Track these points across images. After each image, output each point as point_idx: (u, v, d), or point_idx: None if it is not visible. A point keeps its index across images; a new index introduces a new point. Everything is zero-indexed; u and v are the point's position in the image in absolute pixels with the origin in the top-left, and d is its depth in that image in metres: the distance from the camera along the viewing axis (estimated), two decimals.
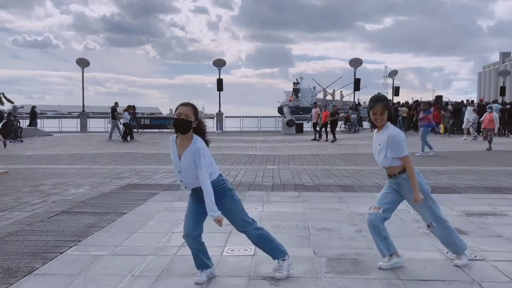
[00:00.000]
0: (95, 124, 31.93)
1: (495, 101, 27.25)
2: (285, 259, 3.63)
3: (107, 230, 5.05)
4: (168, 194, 7.28)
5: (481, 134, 20.65)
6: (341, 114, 26.76)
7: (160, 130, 28.36)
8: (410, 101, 34.80)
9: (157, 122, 29.87)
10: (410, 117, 27.20)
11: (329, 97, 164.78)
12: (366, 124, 30.84)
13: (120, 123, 21.50)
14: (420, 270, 3.77)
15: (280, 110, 27.79)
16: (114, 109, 21.68)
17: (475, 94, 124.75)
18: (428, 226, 3.94)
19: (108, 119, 22.84)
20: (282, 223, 5.37)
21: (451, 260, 4.02)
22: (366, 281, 3.53)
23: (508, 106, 23.98)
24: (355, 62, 31.62)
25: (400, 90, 36.42)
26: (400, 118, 26.25)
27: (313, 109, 23.14)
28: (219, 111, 30.06)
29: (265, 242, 3.66)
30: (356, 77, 31.85)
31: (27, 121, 28.07)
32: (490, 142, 15.67)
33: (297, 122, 28.35)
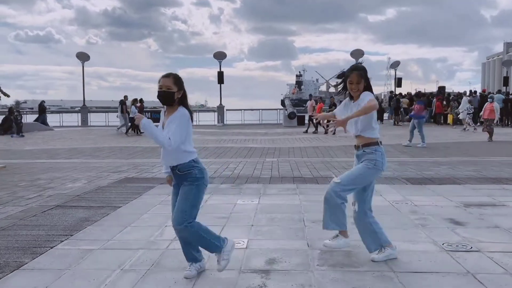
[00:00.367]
0: (96, 119, 31.93)
1: (499, 91, 27.05)
2: (221, 252, 3.46)
3: (99, 224, 5.00)
4: (165, 188, 7.21)
5: (478, 124, 20.56)
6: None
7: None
8: (413, 92, 34.55)
9: (158, 115, 29.74)
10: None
11: (332, 89, 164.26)
12: None
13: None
14: (415, 262, 3.71)
15: (283, 103, 27.65)
16: (123, 102, 21.60)
17: (479, 84, 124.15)
18: (353, 204, 3.88)
19: (117, 113, 22.72)
20: (277, 215, 5.31)
21: (447, 252, 3.96)
22: (358, 273, 3.47)
23: (511, 96, 23.80)
24: (357, 54, 31.39)
25: (404, 81, 36.21)
26: (402, 109, 26.09)
27: (308, 101, 22.99)
28: (220, 104, 29.96)
29: (188, 244, 3.47)
30: None
31: (32, 116, 28.11)
32: (490, 133, 15.51)
33: (299, 114, 28.20)
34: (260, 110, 31.96)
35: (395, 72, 34.94)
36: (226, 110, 30.54)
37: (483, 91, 30.28)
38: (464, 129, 20.28)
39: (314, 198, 6.35)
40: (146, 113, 29.47)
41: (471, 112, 20.82)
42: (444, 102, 24.77)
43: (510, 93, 26.33)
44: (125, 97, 22.00)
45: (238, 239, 4.31)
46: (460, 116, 21.63)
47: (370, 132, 3.73)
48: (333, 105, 21.87)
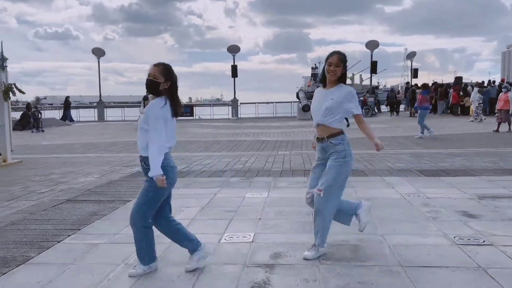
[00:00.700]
0: (112, 113, 32.21)
1: None
2: (142, 266, 3.38)
3: (108, 218, 5.01)
4: None
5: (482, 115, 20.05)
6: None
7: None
8: (430, 83, 34.01)
9: (187, 109, 29.44)
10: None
11: (348, 81, 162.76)
12: (384, 108, 30.36)
13: None
14: (424, 256, 3.61)
15: (297, 95, 27.44)
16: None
17: (498, 74, 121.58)
18: (319, 191, 3.60)
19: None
20: (285, 208, 5.25)
21: (458, 245, 3.85)
22: (365, 268, 3.40)
23: None
24: (372, 45, 31.01)
25: (420, 72, 35.72)
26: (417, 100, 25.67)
27: None
28: (234, 97, 29.91)
29: (138, 242, 3.38)
30: (375, 60, 31.28)
31: (52, 112, 28.54)
32: (510, 124, 15.14)
33: None
34: (274, 103, 31.83)
35: (411, 63, 34.44)
36: (240, 103, 30.49)
37: (502, 80, 29.60)
38: (474, 119, 19.79)
39: None
40: None
41: (481, 102, 20.37)
42: (461, 93, 24.29)
43: None
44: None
45: (244, 233, 4.27)
46: (471, 106, 21.19)
47: (338, 123, 3.63)
48: (363, 104, 21.49)
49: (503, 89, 16.62)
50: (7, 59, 10.91)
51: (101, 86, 30.98)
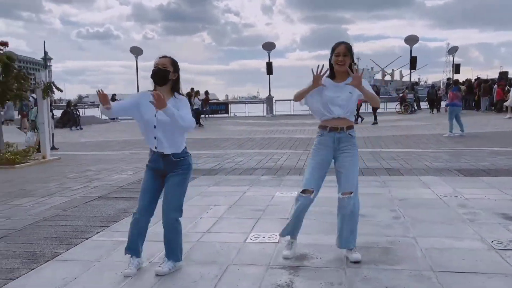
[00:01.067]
0: None
1: None
2: (176, 263, 3.38)
3: None
4: (206, 179, 7.22)
5: None
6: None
7: (211, 115, 28.47)
8: (473, 79, 32.83)
9: (213, 107, 29.66)
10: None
11: (388, 77, 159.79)
12: (424, 105, 29.51)
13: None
14: (457, 261, 3.42)
15: None
16: (190, 94, 21.87)
17: None
18: (350, 194, 3.50)
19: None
20: (314, 208, 5.04)
21: (496, 250, 3.63)
22: (394, 272, 3.25)
23: None
24: (411, 40, 30.20)
25: (463, 67, 34.59)
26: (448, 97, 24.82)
27: None
28: (269, 95, 29.80)
29: (175, 241, 3.37)
30: (415, 55, 30.45)
31: (93, 110, 29.24)
32: None
33: None
34: None
35: (453, 58, 33.35)
36: (275, 101, 30.33)
37: None
38: (509, 117, 18.85)
39: (358, 190, 6.09)
40: (210, 106, 29.04)
41: None
42: (508, 88, 23.27)
43: None
44: (192, 89, 22.06)
45: (271, 233, 4.19)
46: (507, 103, 20.20)
47: (352, 116, 3.61)
48: (402, 101, 20.95)
49: None
50: (51, 58, 11.38)
51: (139, 84, 31.57)
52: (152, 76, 3.26)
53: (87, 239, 4.23)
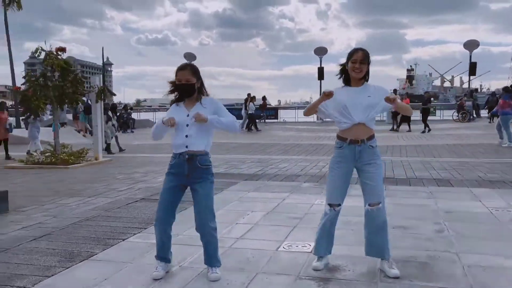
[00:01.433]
0: None
1: None
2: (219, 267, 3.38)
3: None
4: (247, 184, 7.21)
5: None
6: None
7: (263, 120, 28.52)
8: None
9: (266, 112, 29.54)
10: None
11: (447, 84, 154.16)
12: (483, 113, 28.11)
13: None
14: (502, 281, 3.17)
15: None
16: (247, 99, 22.10)
17: None
18: (371, 206, 3.38)
19: (242, 110, 23.38)
20: (353, 218, 4.96)
21: None
22: None
23: None
24: (471, 45, 28.88)
25: None
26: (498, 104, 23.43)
27: None
28: None
29: (214, 247, 3.37)
30: (477, 60, 29.09)
31: (146, 114, 30.12)
32: None
33: None
34: None
35: None
36: None
37: None
38: None
39: (401, 201, 5.86)
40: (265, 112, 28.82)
41: None
42: None
43: None
44: (248, 95, 22.30)
45: (305, 242, 4.09)
46: None
47: (374, 123, 3.39)
48: (427, 102, 20.10)
49: None
50: (112, 64, 11.94)
51: None
52: (178, 91, 3.27)
53: (123, 240, 4.31)
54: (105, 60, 54.14)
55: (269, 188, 6.88)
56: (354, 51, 3.35)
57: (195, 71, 3.29)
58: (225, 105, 3.58)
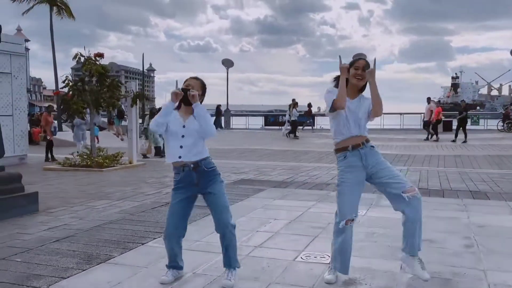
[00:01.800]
0: (237, 122, 33.56)
1: None
2: (236, 268, 3.35)
3: (196, 224, 5.08)
4: (274, 191, 7.13)
5: None
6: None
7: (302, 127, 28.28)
8: None
9: (304, 119, 29.12)
10: None
11: (494, 92, 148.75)
12: None
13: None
14: None
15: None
16: (291, 105, 22.05)
17: None
18: (406, 192, 3.21)
19: (286, 115, 23.38)
20: (378, 230, 4.80)
21: None
22: None
23: None
24: None
25: None
26: None
27: (426, 105, 20.21)
28: None
29: (234, 247, 3.36)
30: None
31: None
32: None
33: (446, 119, 25.83)
34: (402, 115, 30.16)
35: None
36: None
37: None
38: None
39: (432, 213, 5.62)
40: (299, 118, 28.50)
41: None
42: None
43: None
44: (293, 100, 22.27)
45: (323, 253, 3.97)
46: None
47: (366, 130, 3.38)
48: (464, 110, 19.32)
49: None
50: (154, 70, 12.25)
51: (229, 95, 32.43)
52: (184, 95, 3.24)
53: (142, 244, 4.34)
54: (148, 66, 55.49)
55: (296, 196, 6.78)
56: (357, 59, 3.34)
57: (203, 86, 3.40)
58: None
